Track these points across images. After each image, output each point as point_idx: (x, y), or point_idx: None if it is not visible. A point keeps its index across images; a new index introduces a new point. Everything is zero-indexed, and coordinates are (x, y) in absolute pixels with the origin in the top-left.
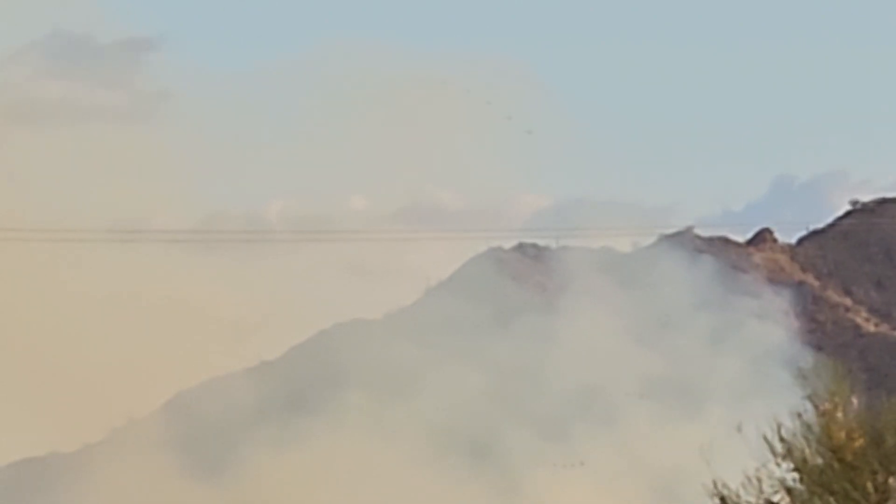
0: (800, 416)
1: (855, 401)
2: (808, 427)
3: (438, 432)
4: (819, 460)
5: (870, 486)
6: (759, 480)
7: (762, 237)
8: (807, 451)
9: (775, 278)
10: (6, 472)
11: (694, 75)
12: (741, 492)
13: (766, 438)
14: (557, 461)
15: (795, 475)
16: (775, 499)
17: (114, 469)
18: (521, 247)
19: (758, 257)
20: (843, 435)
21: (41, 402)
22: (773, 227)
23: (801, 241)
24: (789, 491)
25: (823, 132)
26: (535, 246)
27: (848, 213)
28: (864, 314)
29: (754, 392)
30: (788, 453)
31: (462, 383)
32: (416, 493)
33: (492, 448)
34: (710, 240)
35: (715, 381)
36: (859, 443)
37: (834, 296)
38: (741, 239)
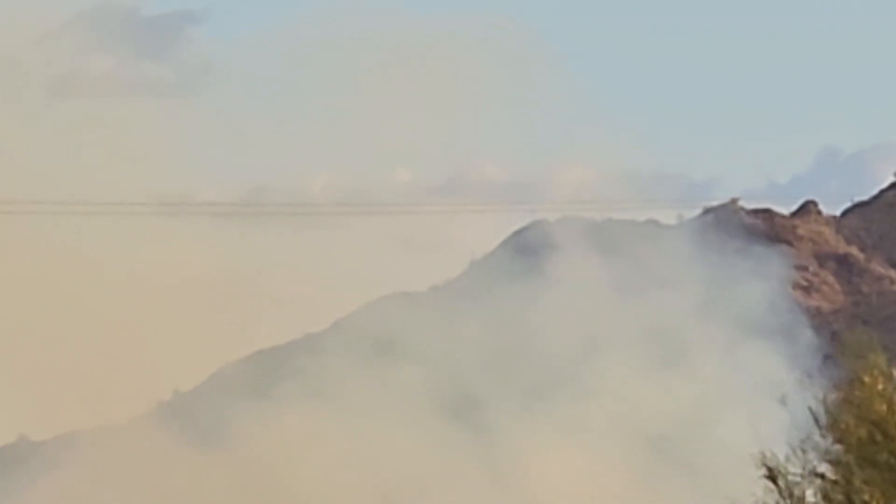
0: (842, 388)
1: None
2: (849, 400)
3: (452, 399)
4: (863, 433)
5: None
6: (804, 452)
7: (807, 209)
8: (851, 423)
9: (820, 250)
10: (52, 445)
11: (739, 46)
12: (787, 463)
13: (810, 409)
14: (558, 423)
15: (840, 447)
16: (821, 470)
17: (159, 442)
18: (565, 219)
19: (802, 229)
20: (884, 408)
21: (87, 375)
22: (818, 199)
23: (845, 213)
24: (833, 463)
25: (870, 104)
26: (579, 218)
27: (893, 185)
28: None
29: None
30: (833, 425)
31: (490, 353)
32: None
33: (491, 413)
34: (755, 212)
35: (705, 339)
36: None
37: (878, 268)
38: (786, 211)
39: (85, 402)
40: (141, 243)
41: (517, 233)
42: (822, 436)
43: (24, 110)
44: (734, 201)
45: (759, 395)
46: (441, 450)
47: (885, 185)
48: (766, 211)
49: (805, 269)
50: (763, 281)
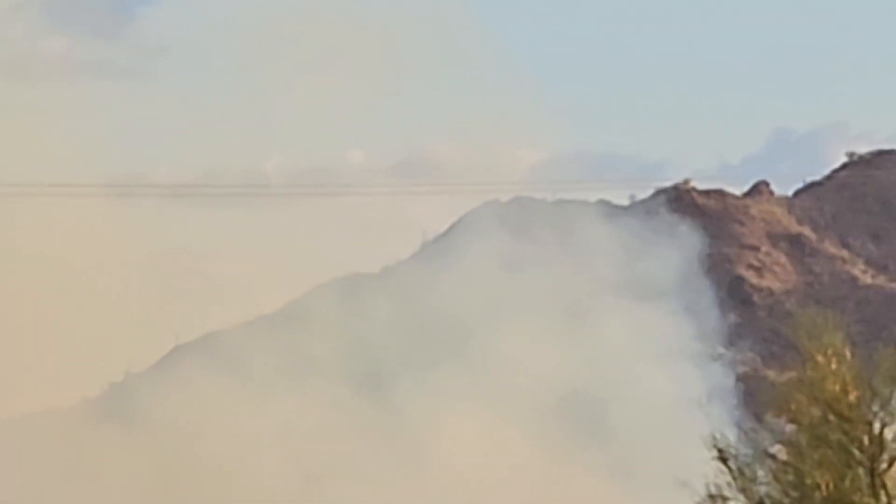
0: (795, 369)
1: (850, 353)
2: (803, 380)
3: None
4: (816, 413)
5: (865, 438)
6: (756, 432)
7: (759, 189)
8: (804, 403)
9: (772, 231)
10: (9, 426)
11: (692, 26)
12: (739, 444)
13: (763, 391)
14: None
15: (792, 427)
16: (772, 451)
17: (112, 424)
18: (517, 199)
19: (754, 210)
20: (837, 388)
21: (37, 357)
22: (770, 180)
23: (797, 193)
24: (785, 443)
25: (824, 83)
26: (531, 199)
27: (845, 166)
28: (861, 266)
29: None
30: (785, 405)
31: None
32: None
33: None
34: (707, 192)
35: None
36: (854, 395)
37: (831, 248)
38: (738, 191)
39: (35, 384)
40: (92, 224)
41: (469, 214)
42: (775, 416)
43: None
44: (686, 182)
45: (659, 364)
46: (351, 422)
47: (837, 165)
48: (718, 191)
49: (757, 249)
50: (678, 257)
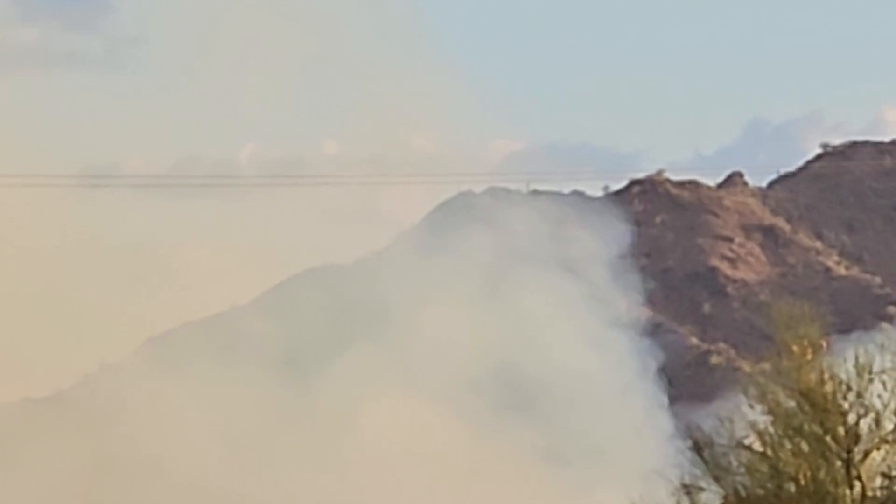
0: (770, 359)
1: (825, 344)
2: (779, 371)
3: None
4: (791, 403)
5: (840, 429)
6: (731, 423)
7: (733, 181)
8: (780, 394)
9: (746, 222)
10: None
11: (667, 16)
12: (713, 435)
13: (739, 380)
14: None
15: (768, 418)
16: (747, 441)
17: (84, 416)
18: (491, 190)
19: (728, 200)
20: (812, 378)
21: (10, 348)
22: (744, 171)
23: (771, 184)
24: (761, 434)
25: (799, 74)
26: (505, 190)
27: (819, 157)
28: (836, 258)
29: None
30: (761, 396)
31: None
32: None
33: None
34: (681, 183)
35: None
36: (829, 386)
37: (805, 239)
38: (712, 182)
39: (7, 376)
40: (65, 215)
41: (443, 204)
42: (750, 406)
43: None
44: (660, 173)
45: (585, 340)
46: (272, 408)
47: (811, 156)
48: (693, 182)
49: (731, 240)
50: (610, 247)
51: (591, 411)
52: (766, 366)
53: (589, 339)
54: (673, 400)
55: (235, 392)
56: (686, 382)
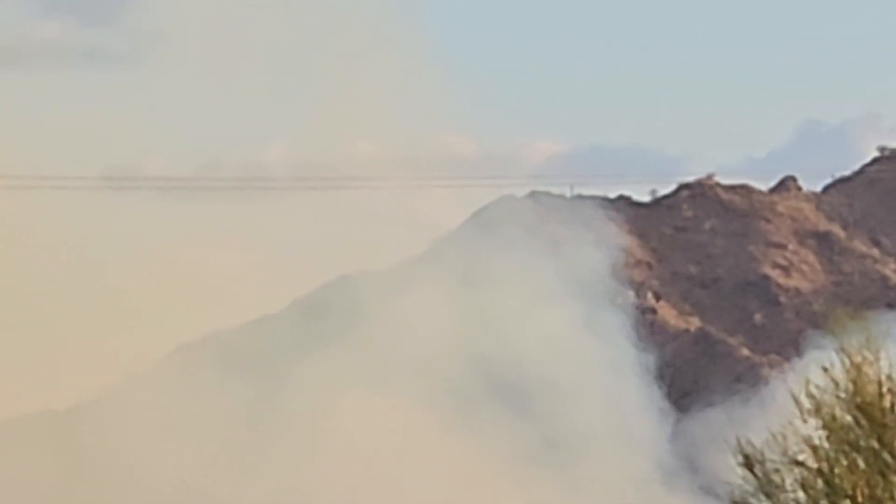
0: (827, 370)
1: (885, 356)
2: (837, 383)
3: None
4: (847, 418)
5: None
6: (784, 438)
7: (786, 185)
8: (836, 408)
9: (799, 228)
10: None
11: (717, 14)
12: (766, 450)
13: (792, 394)
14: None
15: (822, 433)
16: (801, 458)
17: (108, 428)
18: (533, 195)
19: (781, 206)
20: (870, 391)
21: (30, 357)
22: (798, 175)
23: (826, 188)
24: (815, 449)
25: (855, 74)
26: (548, 194)
27: (876, 160)
28: (893, 266)
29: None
30: (816, 410)
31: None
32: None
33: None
34: (732, 188)
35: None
36: (888, 400)
37: (861, 246)
38: (764, 187)
39: (27, 387)
40: (86, 219)
41: (483, 209)
42: (804, 421)
43: None
44: (710, 176)
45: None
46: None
47: (868, 159)
48: (744, 187)
49: (783, 247)
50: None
51: (579, 396)
52: (821, 378)
53: (620, 353)
54: (716, 411)
55: (263, 404)
56: (735, 394)
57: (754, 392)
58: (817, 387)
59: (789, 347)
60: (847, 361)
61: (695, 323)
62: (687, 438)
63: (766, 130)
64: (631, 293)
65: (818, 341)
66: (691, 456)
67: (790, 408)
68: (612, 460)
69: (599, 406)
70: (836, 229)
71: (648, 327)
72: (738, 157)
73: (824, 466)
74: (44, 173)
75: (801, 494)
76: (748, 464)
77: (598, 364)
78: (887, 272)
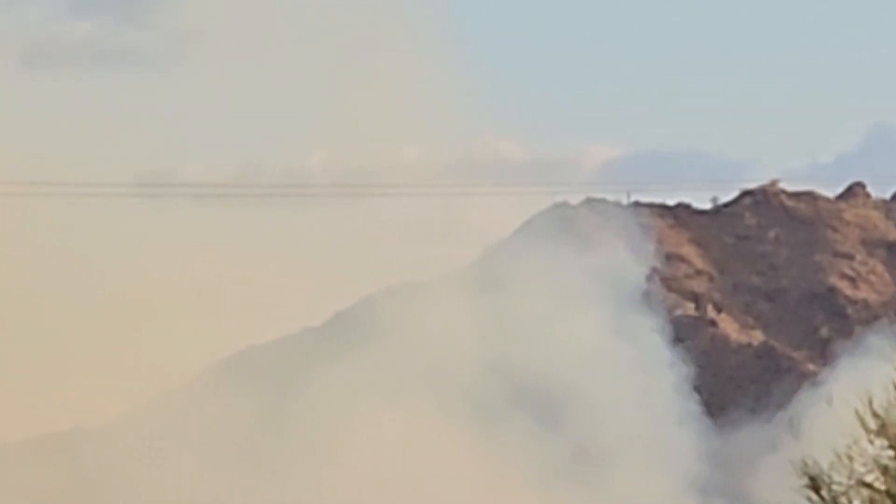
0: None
1: None
2: None
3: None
4: None
5: None
6: (851, 459)
7: (854, 192)
8: None
9: (868, 237)
10: (29, 447)
11: (783, 14)
12: (832, 472)
13: (857, 413)
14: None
15: (891, 453)
16: (868, 479)
17: (140, 448)
18: (588, 202)
19: (849, 214)
20: None
21: (60, 373)
22: (867, 181)
23: None
24: (885, 470)
25: None
26: (604, 201)
27: None
28: None
29: None
30: (882, 429)
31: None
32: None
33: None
34: (797, 195)
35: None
36: None
37: None
38: (831, 194)
39: (58, 404)
40: (118, 228)
41: (535, 217)
42: (870, 441)
43: None
44: (774, 183)
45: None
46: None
47: None
48: (809, 193)
49: (851, 257)
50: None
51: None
52: (891, 396)
53: (662, 365)
54: (766, 427)
55: (292, 420)
56: (803, 412)
57: (815, 408)
58: (881, 405)
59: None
60: None
61: (757, 337)
62: (727, 455)
63: (834, 134)
64: (689, 304)
65: (884, 353)
66: (730, 473)
67: (856, 426)
68: (644, 475)
69: (637, 418)
70: None
71: (709, 341)
72: (804, 163)
73: (893, 488)
74: (73, 179)
75: None
76: (814, 486)
77: (636, 375)
78: None
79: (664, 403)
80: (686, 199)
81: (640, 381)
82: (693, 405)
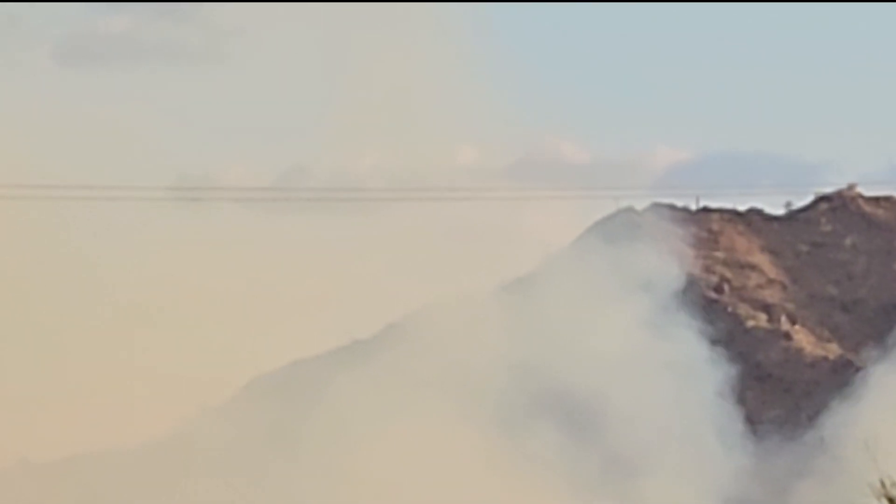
0: None
1: None
2: None
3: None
4: None
5: None
6: None
7: None
8: None
9: None
10: (64, 466)
11: (860, 8)
12: None
13: None
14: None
15: None
16: None
17: (181, 468)
18: (654, 207)
19: None
20: None
21: (97, 388)
22: None
23: None
24: None
25: None
26: (671, 206)
27: None
28: None
29: None
30: None
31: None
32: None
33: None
34: (876, 199)
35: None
36: None
37: None
38: None
39: (92, 423)
40: (157, 234)
41: (599, 222)
42: None
43: (26, 78)
44: (851, 187)
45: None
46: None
47: None
48: (889, 198)
49: None
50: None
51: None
52: None
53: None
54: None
55: (347, 441)
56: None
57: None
58: None
59: None
60: None
61: (834, 350)
62: (775, 469)
63: None
64: (762, 316)
65: None
66: (774, 488)
67: None
68: (681, 488)
69: (687, 431)
70: None
71: (782, 354)
72: (883, 166)
73: None
74: (109, 182)
75: None
76: None
77: (703, 401)
78: None
79: (709, 416)
80: (758, 205)
81: (705, 403)
82: (738, 421)
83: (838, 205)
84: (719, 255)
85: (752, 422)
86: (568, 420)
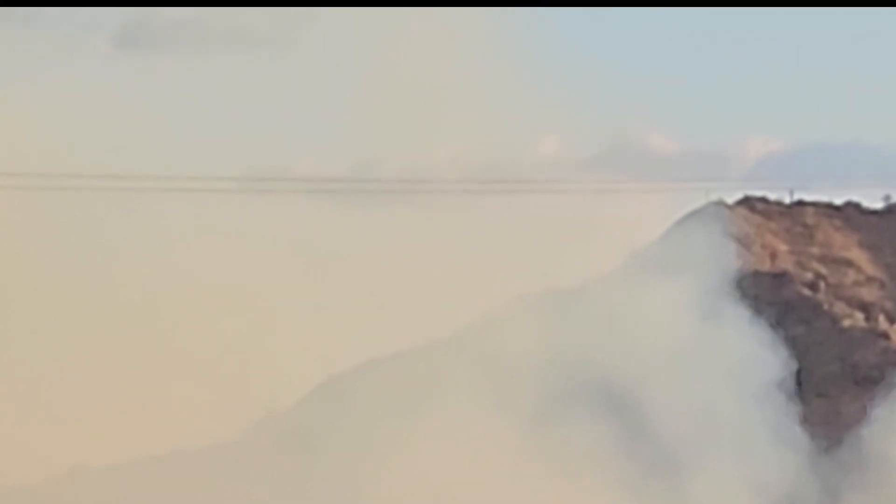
0: None
1: None
2: None
3: None
4: None
5: None
6: None
7: None
8: None
9: None
10: (129, 470)
11: None
12: None
13: None
14: None
15: None
16: None
17: (248, 472)
18: (746, 200)
19: None
20: None
21: (160, 388)
22: None
23: None
24: None
25: None
26: (763, 199)
27: None
28: None
29: None
30: None
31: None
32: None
33: None
34: None
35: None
36: None
37: None
38: None
39: (156, 425)
40: (224, 227)
41: (687, 216)
42: None
43: (83, 64)
44: None
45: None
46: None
47: None
48: None
49: None
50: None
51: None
52: None
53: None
54: None
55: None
56: None
57: None
58: None
59: None
60: None
61: None
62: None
63: None
64: (859, 315)
65: None
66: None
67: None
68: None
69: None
70: None
71: (881, 355)
72: None
73: None
74: (174, 173)
75: None
76: None
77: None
78: None
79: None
80: (855, 198)
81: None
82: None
83: None
84: (814, 250)
85: (850, 426)
86: (616, 414)
